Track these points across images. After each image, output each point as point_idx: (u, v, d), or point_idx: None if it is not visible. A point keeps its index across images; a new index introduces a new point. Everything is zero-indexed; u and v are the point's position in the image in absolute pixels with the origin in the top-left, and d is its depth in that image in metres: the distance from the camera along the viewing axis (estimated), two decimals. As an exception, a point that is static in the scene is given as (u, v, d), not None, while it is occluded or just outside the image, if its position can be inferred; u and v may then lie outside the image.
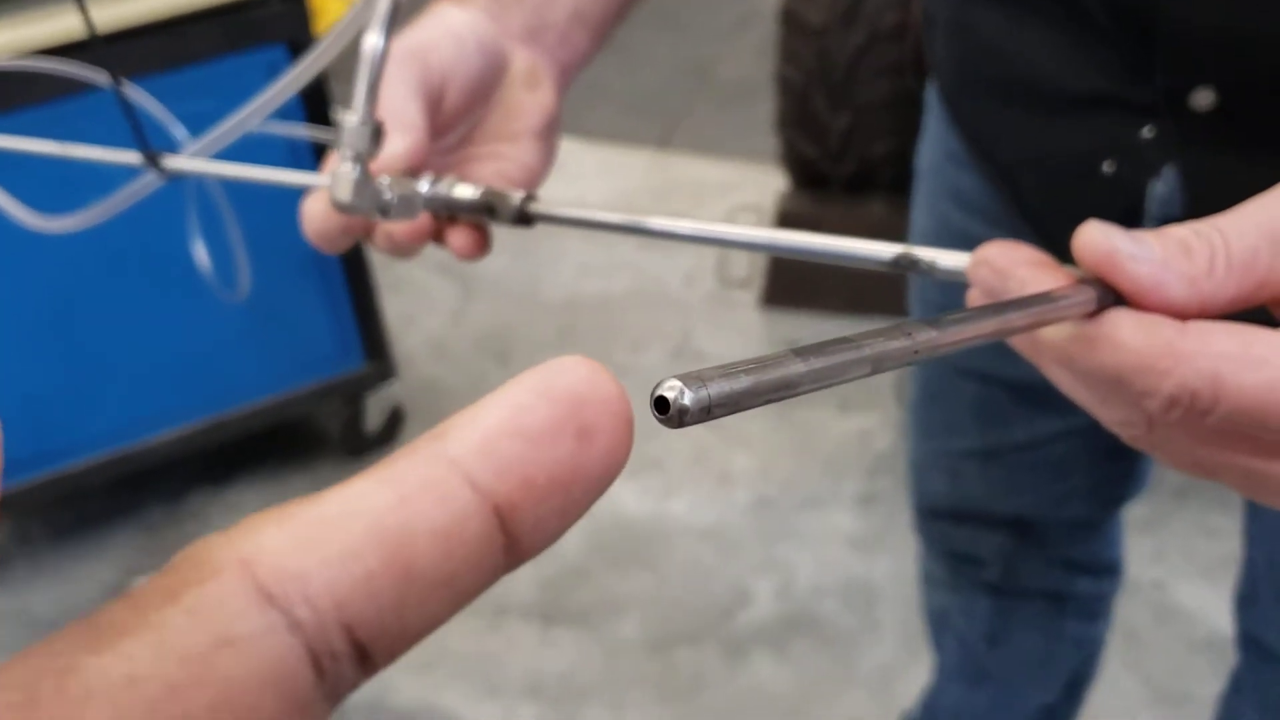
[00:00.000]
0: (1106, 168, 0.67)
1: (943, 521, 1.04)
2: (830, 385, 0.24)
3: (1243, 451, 0.34)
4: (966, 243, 0.83)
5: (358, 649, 0.15)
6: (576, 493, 0.17)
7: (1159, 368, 0.33)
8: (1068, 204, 0.73)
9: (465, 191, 0.51)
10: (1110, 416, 0.37)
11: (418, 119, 0.54)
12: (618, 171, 2.85)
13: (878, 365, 0.25)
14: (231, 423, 1.79)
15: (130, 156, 0.76)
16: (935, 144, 0.86)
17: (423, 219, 0.53)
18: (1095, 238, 0.35)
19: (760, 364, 0.23)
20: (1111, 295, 0.35)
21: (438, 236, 0.55)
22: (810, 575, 1.74)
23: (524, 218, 0.50)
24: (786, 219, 2.21)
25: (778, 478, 1.90)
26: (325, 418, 1.96)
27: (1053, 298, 0.33)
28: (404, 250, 0.55)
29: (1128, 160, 0.66)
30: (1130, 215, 0.68)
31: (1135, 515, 1.19)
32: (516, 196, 0.51)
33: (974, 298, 0.40)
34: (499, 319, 2.31)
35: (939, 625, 1.15)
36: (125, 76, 1.33)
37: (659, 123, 3.05)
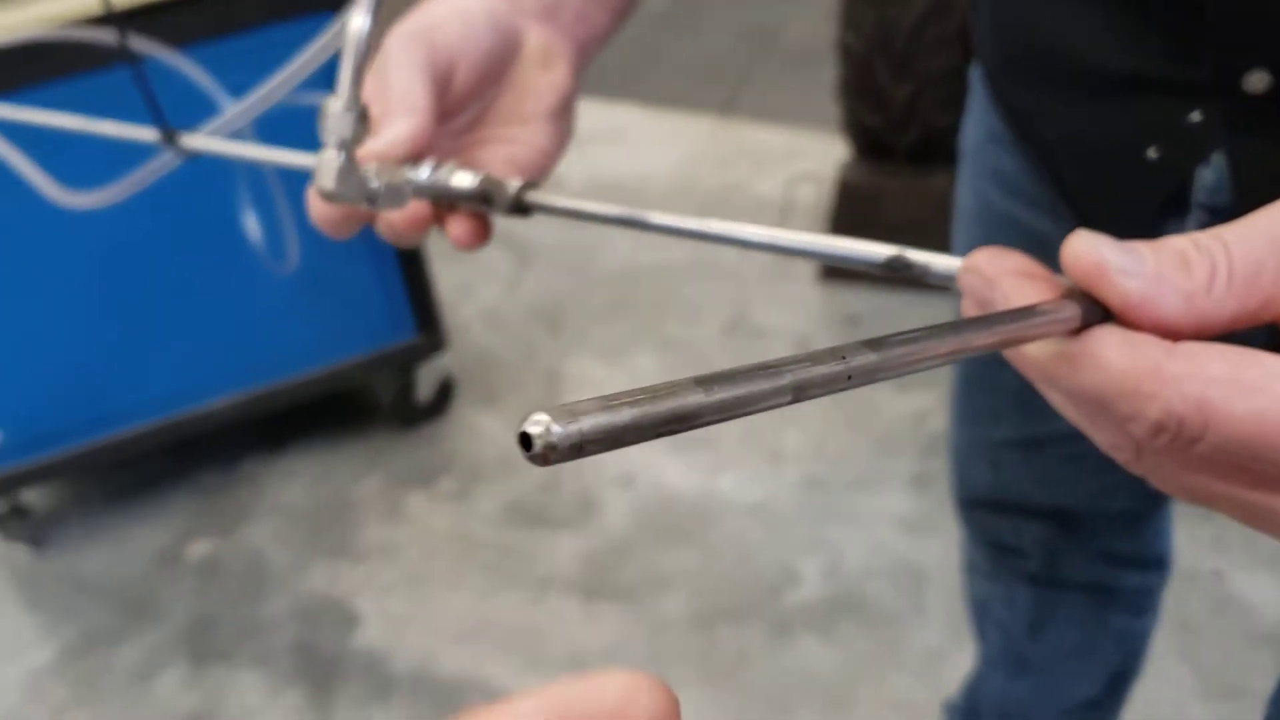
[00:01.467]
0: (1151, 153, 0.64)
1: (984, 511, 1.01)
2: (742, 415, 0.23)
3: (1239, 483, 0.32)
4: (1008, 225, 0.81)
5: None
6: None
7: (1143, 390, 0.30)
8: (1110, 189, 0.69)
9: (461, 180, 0.50)
10: (1100, 438, 0.35)
11: (423, 101, 0.53)
12: (679, 139, 2.82)
13: (800, 393, 0.24)
14: (285, 391, 1.80)
15: (149, 134, 0.76)
16: (978, 124, 0.83)
17: (421, 207, 0.52)
18: (1081, 249, 0.32)
19: (651, 394, 0.21)
20: (1100, 311, 0.32)
21: (440, 224, 0.54)
22: (859, 556, 1.71)
23: (520, 207, 0.49)
24: (847, 189, 2.18)
25: (829, 456, 1.88)
26: (377, 387, 1.97)
27: (1034, 312, 0.31)
28: (405, 239, 0.54)
29: (1174, 145, 0.63)
30: (1175, 203, 0.65)
31: (1191, 505, 1.14)
32: (513, 186, 0.49)
33: (966, 307, 0.37)
34: (554, 289, 2.30)
35: (981, 614, 1.13)
36: (173, 45, 1.33)
37: (722, 89, 3.01)
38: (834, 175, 2.23)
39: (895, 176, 2.15)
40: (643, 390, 0.21)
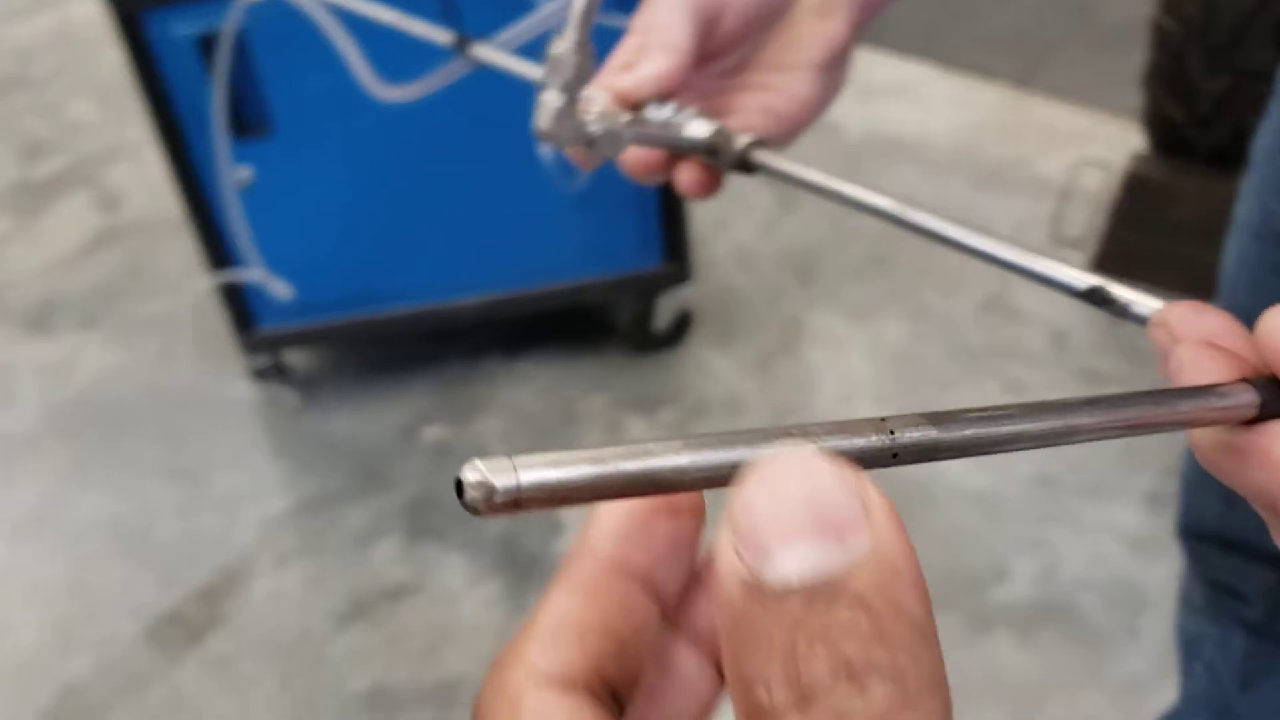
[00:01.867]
0: None
1: (1208, 546, 0.95)
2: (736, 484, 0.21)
3: None
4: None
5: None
6: None
7: None
8: None
9: (694, 129, 0.50)
10: (1276, 538, 0.31)
11: (683, 41, 0.53)
12: (968, 104, 2.71)
13: None
14: (532, 298, 1.87)
15: (445, 37, 0.79)
16: (1275, 129, 0.76)
17: (653, 152, 0.52)
18: (1276, 327, 0.28)
19: (625, 453, 0.19)
20: None
21: (671, 169, 0.54)
22: (1076, 565, 1.64)
23: (745, 164, 0.48)
24: (1136, 181, 2.04)
25: (1066, 456, 1.80)
26: (618, 309, 2.01)
27: (1196, 394, 0.27)
28: (639, 179, 0.54)
29: None
30: None
31: None
32: (741, 141, 0.49)
33: (1161, 359, 0.34)
34: (810, 237, 2.28)
35: (1190, 651, 1.06)
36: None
37: (1021, 59, 2.87)
38: (1124, 166, 2.10)
39: (1191, 176, 2.00)
40: (614, 448, 0.19)
